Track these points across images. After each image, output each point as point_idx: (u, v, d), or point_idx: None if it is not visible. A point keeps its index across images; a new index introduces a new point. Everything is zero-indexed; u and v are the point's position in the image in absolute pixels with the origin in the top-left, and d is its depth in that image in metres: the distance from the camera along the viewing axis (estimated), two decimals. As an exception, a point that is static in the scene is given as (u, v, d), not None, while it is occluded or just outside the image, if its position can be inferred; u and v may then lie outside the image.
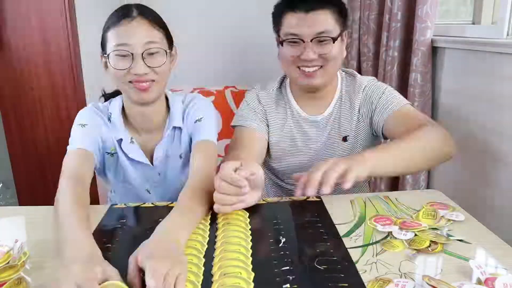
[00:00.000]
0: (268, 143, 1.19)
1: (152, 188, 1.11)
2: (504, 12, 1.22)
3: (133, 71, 0.92)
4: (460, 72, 1.38)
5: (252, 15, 1.99)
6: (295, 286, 0.61)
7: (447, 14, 1.79)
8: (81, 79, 1.71)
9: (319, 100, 1.16)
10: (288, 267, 0.65)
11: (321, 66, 1.06)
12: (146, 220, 0.86)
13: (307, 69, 1.06)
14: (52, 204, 0.82)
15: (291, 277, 0.63)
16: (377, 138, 1.19)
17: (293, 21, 1.06)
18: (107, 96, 1.13)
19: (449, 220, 0.80)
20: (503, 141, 1.17)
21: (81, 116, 1.04)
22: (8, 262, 0.63)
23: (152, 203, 0.93)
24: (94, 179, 1.26)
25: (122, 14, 0.94)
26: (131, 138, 1.05)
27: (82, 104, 1.69)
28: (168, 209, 0.81)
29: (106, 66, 0.99)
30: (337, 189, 0.83)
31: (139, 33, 0.93)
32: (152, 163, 1.07)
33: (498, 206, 1.20)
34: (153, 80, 0.95)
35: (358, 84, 1.16)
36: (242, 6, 2.00)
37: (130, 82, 0.95)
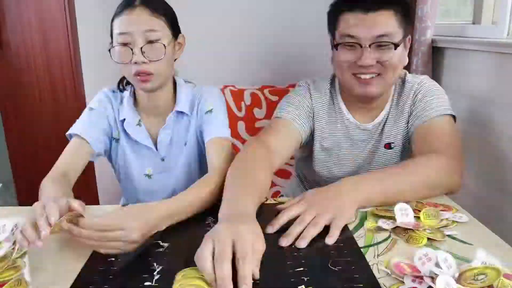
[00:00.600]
0: (312, 146, 1.12)
1: (155, 173, 1.11)
2: (504, 12, 1.22)
3: (133, 61, 0.94)
4: (460, 72, 1.38)
5: (253, 15, 1.99)
6: (310, 287, 0.60)
7: (447, 14, 1.79)
8: (81, 79, 1.71)
9: (372, 108, 1.07)
10: (302, 268, 0.65)
11: (379, 74, 0.96)
12: None
13: (363, 76, 0.96)
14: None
15: (305, 278, 0.62)
16: None
17: (350, 22, 0.95)
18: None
19: (453, 221, 0.80)
20: (504, 141, 1.17)
21: (94, 99, 1.09)
22: (8, 266, 0.63)
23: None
24: (94, 180, 1.25)
25: (126, 3, 0.96)
26: (139, 121, 1.07)
27: (82, 104, 1.69)
28: None
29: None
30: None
31: (139, 22, 0.94)
32: (156, 147, 1.09)
33: (499, 207, 1.20)
34: (152, 73, 0.96)
35: (408, 87, 1.06)
36: (243, 6, 2.00)
37: (135, 75, 0.97)
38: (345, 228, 0.78)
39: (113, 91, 1.11)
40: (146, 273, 0.65)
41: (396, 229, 0.77)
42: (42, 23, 1.63)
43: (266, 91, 1.72)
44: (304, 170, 1.27)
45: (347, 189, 0.82)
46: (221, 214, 0.73)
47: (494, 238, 0.75)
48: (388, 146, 1.08)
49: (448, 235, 0.75)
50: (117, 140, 1.10)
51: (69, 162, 0.98)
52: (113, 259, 0.69)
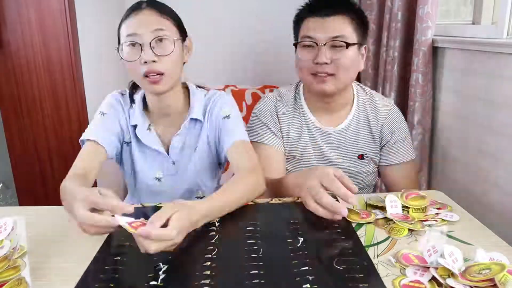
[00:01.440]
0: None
1: (164, 176, 1.12)
2: (504, 12, 1.22)
3: (143, 60, 0.93)
4: (460, 72, 1.38)
5: (254, 14, 1.99)
6: (315, 286, 0.61)
7: (447, 14, 1.79)
8: (81, 79, 1.70)
9: (333, 112, 1.17)
10: (307, 267, 0.65)
11: (333, 74, 1.06)
12: None
13: (319, 74, 1.06)
14: (52, 204, 0.82)
15: (310, 277, 0.63)
16: None
17: (310, 25, 1.07)
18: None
19: (442, 220, 0.81)
20: (503, 141, 1.17)
21: (104, 104, 1.08)
22: (8, 266, 0.63)
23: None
24: (94, 180, 1.25)
25: (133, 8, 0.98)
26: (149, 125, 1.08)
27: (82, 104, 1.69)
28: None
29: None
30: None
31: (148, 22, 0.95)
32: (168, 152, 1.09)
33: (499, 206, 1.20)
34: (162, 73, 0.96)
35: (380, 108, 1.17)
36: (244, 5, 2.00)
37: (144, 76, 0.96)
38: (350, 228, 0.79)
39: (122, 94, 1.10)
40: (152, 272, 0.65)
41: (378, 222, 0.81)
42: (42, 23, 1.63)
43: (267, 91, 1.72)
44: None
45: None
46: (293, 180, 0.95)
47: (494, 238, 0.75)
48: (361, 156, 1.18)
49: (448, 235, 0.76)
50: (128, 144, 1.10)
51: (86, 166, 0.95)
52: (119, 258, 0.69)
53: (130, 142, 1.10)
